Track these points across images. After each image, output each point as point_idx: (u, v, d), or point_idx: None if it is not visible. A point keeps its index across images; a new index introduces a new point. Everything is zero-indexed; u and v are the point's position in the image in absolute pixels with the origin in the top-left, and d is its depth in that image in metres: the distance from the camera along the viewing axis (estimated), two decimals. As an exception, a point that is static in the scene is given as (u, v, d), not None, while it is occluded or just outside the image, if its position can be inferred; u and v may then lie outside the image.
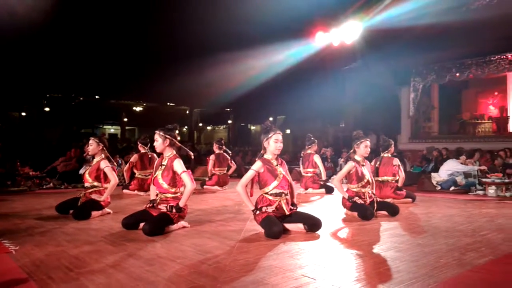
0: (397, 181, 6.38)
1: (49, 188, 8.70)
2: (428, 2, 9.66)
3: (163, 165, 4.22)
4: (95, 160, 5.24)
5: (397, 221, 4.71)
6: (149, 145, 7.77)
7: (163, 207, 4.10)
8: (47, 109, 18.28)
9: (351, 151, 5.31)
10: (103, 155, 5.25)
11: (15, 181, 8.49)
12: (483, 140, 13.03)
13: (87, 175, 5.17)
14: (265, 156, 4.13)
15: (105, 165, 5.14)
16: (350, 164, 5.10)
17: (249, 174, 4.07)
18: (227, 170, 8.76)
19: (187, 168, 4.23)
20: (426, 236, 3.87)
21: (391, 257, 3.11)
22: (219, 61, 13.10)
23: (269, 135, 4.06)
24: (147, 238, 3.75)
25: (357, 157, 5.19)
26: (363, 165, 5.14)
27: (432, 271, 2.74)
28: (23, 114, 18.48)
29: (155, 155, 7.60)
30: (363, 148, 5.16)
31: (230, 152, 9.17)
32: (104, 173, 5.14)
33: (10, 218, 4.94)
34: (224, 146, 8.92)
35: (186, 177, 4.09)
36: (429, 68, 13.55)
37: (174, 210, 4.05)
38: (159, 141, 4.25)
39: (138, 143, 8.15)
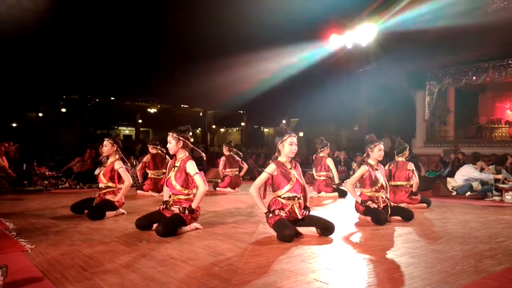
0: (411, 185, 6.30)
1: (65, 188, 8.81)
2: (443, 5, 9.56)
3: (176, 166, 4.24)
4: (109, 160, 5.30)
5: (412, 227, 4.64)
6: (159, 145, 7.90)
7: (176, 209, 4.12)
8: (63, 110, 18.55)
9: (365, 154, 5.25)
10: (117, 156, 5.30)
11: (32, 181, 8.62)
12: (500, 145, 12.79)
13: (101, 176, 5.22)
14: (279, 158, 4.10)
15: (119, 166, 5.19)
16: (364, 168, 5.06)
17: (263, 176, 4.06)
18: (239, 172, 8.78)
19: (199, 169, 4.25)
20: (441, 242, 3.81)
21: (405, 263, 3.07)
22: (232, 64, 13.16)
23: (284, 138, 4.04)
24: (160, 239, 3.77)
25: (370, 161, 5.13)
26: (376, 169, 5.09)
27: (447, 278, 2.69)
28: (40, 115, 18.79)
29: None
30: (377, 151, 5.11)
31: (240, 153, 9.19)
32: (118, 174, 5.19)
33: (26, 217, 5.01)
34: (234, 148, 8.95)
35: (199, 179, 4.10)
36: (445, 71, 13.37)
37: (186, 212, 4.06)
38: (172, 142, 4.26)
39: (148, 145, 8.24)
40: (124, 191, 5.10)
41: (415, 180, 6.31)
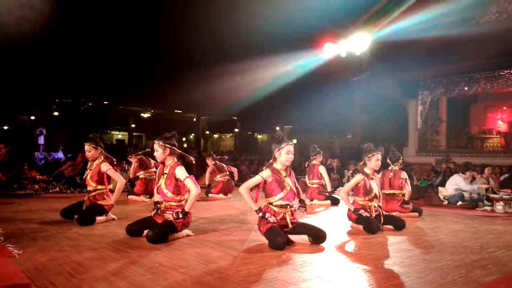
0: (403, 194, 6.31)
1: (55, 193, 8.72)
2: (436, 15, 9.67)
3: (165, 173, 4.19)
4: (95, 163, 5.21)
5: (403, 236, 4.65)
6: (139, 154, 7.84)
7: (168, 215, 4.07)
8: (56, 113, 18.41)
9: (361, 163, 5.23)
10: (102, 157, 5.24)
11: (22, 185, 8.52)
12: (491, 155, 12.90)
13: (89, 179, 5.16)
14: (275, 165, 4.08)
15: (106, 168, 5.13)
16: (359, 177, 5.04)
17: (256, 179, 4.04)
18: (231, 177, 8.80)
19: (190, 174, 4.22)
20: (432, 252, 3.82)
21: (396, 272, 3.06)
22: (227, 71, 13.19)
23: (282, 146, 4.01)
24: (150, 245, 3.74)
25: (366, 170, 5.12)
26: (372, 178, 5.08)
27: (438, 288, 2.69)
28: (32, 118, 18.63)
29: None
30: (374, 161, 5.10)
31: (225, 157, 9.43)
32: (107, 176, 5.14)
33: (14, 221, 4.94)
34: (216, 157, 9.13)
35: (190, 183, 4.07)
36: (437, 81, 13.50)
37: (180, 215, 4.01)
38: (159, 151, 4.19)
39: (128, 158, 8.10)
40: (118, 191, 5.04)
41: (407, 189, 6.31)
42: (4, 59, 12.57)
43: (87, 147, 5.24)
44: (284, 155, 4.01)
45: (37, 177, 9.29)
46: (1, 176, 8.27)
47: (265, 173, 4.03)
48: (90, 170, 5.24)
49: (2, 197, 7.68)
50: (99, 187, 5.12)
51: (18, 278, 2.71)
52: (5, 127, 19.58)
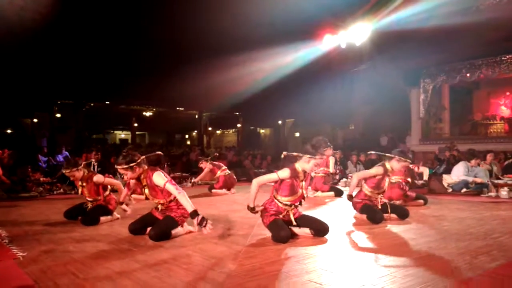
0: (407, 182, 6.28)
1: (60, 194, 8.76)
2: (437, 4, 9.57)
3: (145, 185, 4.06)
4: (85, 176, 5.09)
5: (407, 225, 4.63)
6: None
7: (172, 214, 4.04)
8: (58, 115, 18.46)
9: (390, 158, 4.95)
10: (86, 171, 5.11)
11: (26, 187, 8.57)
12: (495, 141, 12.81)
13: (86, 193, 5.10)
14: (297, 165, 3.91)
15: (101, 179, 5.06)
16: (380, 170, 4.89)
17: (272, 178, 3.90)
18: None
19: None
20: (436, 240, 3.80)
21: (400, 261, 3.06)
22: (226, 64, 13.15)
23: (316, 157, 3.86)
24: (154, 243, 3.74)
25: (388, 166, 4.93)
26: (388, 176, 5.03)
27: (443, 275, 2.68)
28: (35, 120, 18.69)
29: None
30: (400, 166, 4.92)
31: (216, 153, 9.81)
32: (103, 185, 5.12)
33: (19, 224, 4.97)
34: (208, 156, 9.33)
35: (171, 188, 3.87)
36: (439, 69, 13.39)
37: (196, 220, 3.72)
38: (128, 174, 3.98)
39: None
40: (123, 195, 4.99)
41: (425, 172, 6.26)
42: (6, 63, 12.62)
43: (69, 172, 5.03)
44: (312, 166, 3.88)
45: (41, 179, 9.34)
46: (5, 180, 8.32)
47: (283, 174, 3.86)
48: (82, 186, 5.13)
49: (6, 200, 7.74)
50: (98, 197, 5.10)
51: (22, 280, 2.71)
52: (9, 131, 19.66)
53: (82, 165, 5.08)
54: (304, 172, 3.95)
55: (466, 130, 15.34)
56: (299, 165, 3.92)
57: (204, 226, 3.68)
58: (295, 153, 3.95)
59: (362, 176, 5.11)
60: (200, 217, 3.71)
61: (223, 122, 26.17)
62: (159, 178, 3.93)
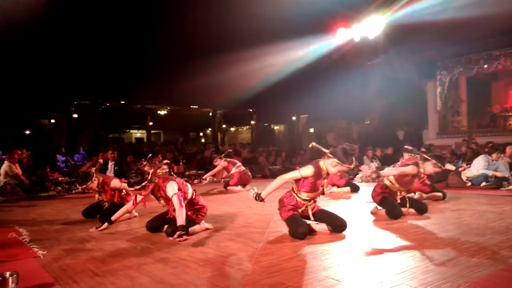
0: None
1: (78, 193, 8.88)
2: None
3: (160, 197, 4.08)
4: (100, 183, 5.14)
5: (426, 220, 4.56)
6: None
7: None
8: (75, 115, 18.75)
9: (425, 159, 4.74)
10: (100, 178, 5.15)
11: (45, 187, 8.71)
12: (515, 134, 12.55)
13: (103, 198, 5.18)
14: (322, 164, 3.84)
15: (118, 184, 5.07)
16: (414, 170, 4.69)
17: (295, 175, 3.85)
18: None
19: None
20: (456, 234, 3.74)
21: (419, 257, 3.01)
22: (238, 59, 13.11)
23: (344, 164, 3.74)
24: (171, 240, 3.76)
25: (421, 167, 4.75)
26: (418, 177, 4.95)
27: (463, 271, 2.63)
28: (52, 121, 19.00)
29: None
30: (432, 168, 4.71)
31: (230, 150, 9.79)
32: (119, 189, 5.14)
33: (39, 223, 5.06)
34: (221, 154, 9.26)
35: (176, 201, 3.82)
36: (455, 60, 13.17)
37: (180, 234, 3.59)
38: (142, 193, 3.96)
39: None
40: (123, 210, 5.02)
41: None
42: (24, 65, 12.87)
43: (90, 186, 5.06)
44: (336, 170, 3.82)
45: (60, 179, 9.49)
46: (25, 180, 8.47)
47: (306, 172, 3.79)
48: (99, 192, 5.18)
49: (26, 199, 7.88)
50: (114, 200, 5.14)
51: (42, 278, 2.76)
52: (27, 132, 20.03)
53: (94, 175, 5.09)
54: (327, 172, 3.88)
55: (484, 123, 15.06)
56: (324, 164, 3.85)
57: (179, 239, 3.56)
58: (324, 149, 3.87)
59: (393, 172, 4.79)
60: (182, 232, 3.58)
61: (237, 119, 26.22)
62: (171, 189, 3.91)
